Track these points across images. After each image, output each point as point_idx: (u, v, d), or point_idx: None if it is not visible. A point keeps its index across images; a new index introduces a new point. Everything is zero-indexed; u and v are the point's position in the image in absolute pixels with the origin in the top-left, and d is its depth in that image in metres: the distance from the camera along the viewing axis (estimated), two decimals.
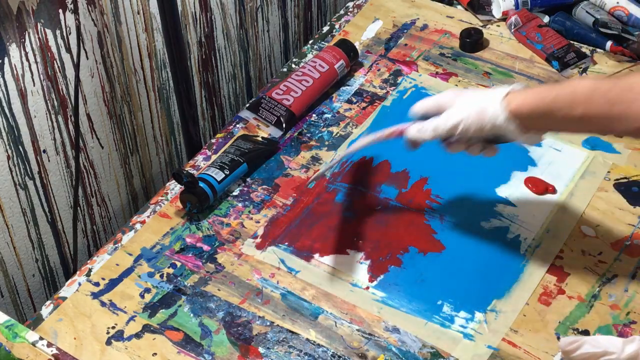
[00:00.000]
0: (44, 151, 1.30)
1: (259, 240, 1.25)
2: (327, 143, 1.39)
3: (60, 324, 1.15)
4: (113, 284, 1.20)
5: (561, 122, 1.04)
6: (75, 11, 1.25)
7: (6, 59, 1.17)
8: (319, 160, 1.36)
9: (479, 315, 1.14)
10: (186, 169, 1.32)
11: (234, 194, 1.32)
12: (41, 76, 1.24)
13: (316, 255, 1.22)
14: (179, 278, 1.20)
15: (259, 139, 1.39)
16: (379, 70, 1.52)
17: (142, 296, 1.18)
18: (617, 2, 1.56)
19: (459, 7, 1.66)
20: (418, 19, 1.62)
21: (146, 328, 1.14)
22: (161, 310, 1.16)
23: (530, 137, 1.08)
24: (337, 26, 1.62)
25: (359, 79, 1.50)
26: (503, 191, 1.29)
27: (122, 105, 1.43)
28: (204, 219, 1.28)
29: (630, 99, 0.98)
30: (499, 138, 1.10)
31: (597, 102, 1.00)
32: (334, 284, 1.19)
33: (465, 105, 1.09)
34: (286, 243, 1.24)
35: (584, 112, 1.01)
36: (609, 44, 1.53)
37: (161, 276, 1.20)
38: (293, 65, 1.53)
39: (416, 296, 1.16)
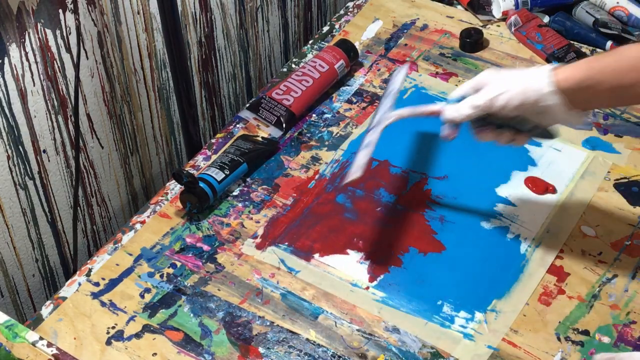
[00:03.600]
0: (44, 151, 1.30)
1: (259, 240, 1.25)
2: (327, 143, 1.39)
3: (60, 324, 1.15)
4: (113, 284, 1.20)
5: (610, 93, 0.98)
6: (75, 11, 1.25)
7: (6, 59, 1.17)
8: (319, 160, 1.36)
9: (479, 315, 1.14)
10: (186, 169, 1.32)
11: (234, 194, 1.31)
12: (41, 76, 1.24)
13: (316, 255, 1.22)
14: (179, 278, 1.20)
15: (259, 139, 1.39)
16: (379, 70, 1.52)
17: (142, 296, 1.18)
18: (617, 2, 1.57)
19: (459, 7, 1.66)
20: (418, 19, 1.62)
21: (146, 328, 1.14)
22: (161, 310, 1.16)
23: (574, 115, 1.02)
24: (337, 26, 1.62)
25: (359, 79, 1.50)
26: (503, 191, 1.29)
27: (122, 105, 1.43)
28: (204, 219, 1.28)
29: None
30: (537, 125, 1.04)
31: None
32: (334, 284, 1.19)
33: (508, 78, 1.03)
34: (286, 243, 1.24)
35: (636, 79, 0.95)
36: (609, 44, 1.53)
37: (161, 276, 1.20)
38: (293, 65, 1.53)
39: (416, 296, 1.16)
